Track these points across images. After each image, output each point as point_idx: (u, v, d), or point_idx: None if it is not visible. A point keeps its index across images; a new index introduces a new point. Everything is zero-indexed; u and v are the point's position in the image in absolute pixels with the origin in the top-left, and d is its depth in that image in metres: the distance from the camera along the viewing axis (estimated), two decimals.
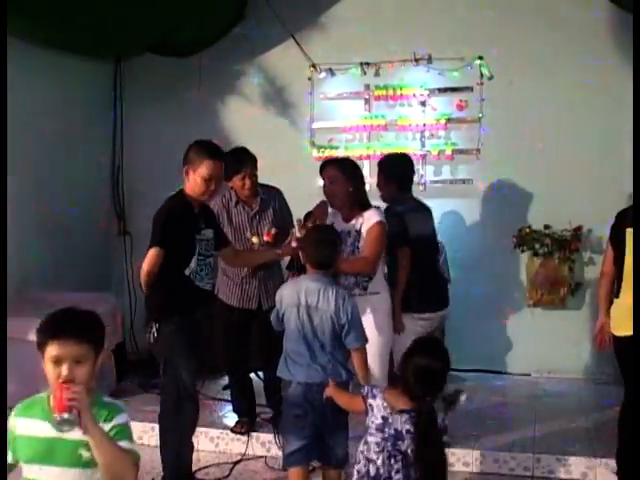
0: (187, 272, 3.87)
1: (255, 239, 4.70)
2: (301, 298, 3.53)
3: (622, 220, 3.79)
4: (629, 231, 3.65)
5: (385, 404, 3.09)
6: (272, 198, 4.88)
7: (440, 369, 3.07)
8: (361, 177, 4.46)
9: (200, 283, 3.98)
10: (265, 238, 4.66)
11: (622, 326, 3.63)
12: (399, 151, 6.52)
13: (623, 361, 3.73)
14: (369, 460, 3.09)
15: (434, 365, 3.05)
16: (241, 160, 4.73)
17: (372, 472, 3.07)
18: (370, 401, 3.13)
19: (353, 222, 4.14)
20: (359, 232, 4.10)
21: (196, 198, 4.08)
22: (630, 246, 3.63)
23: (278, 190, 4.98)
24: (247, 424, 4.87)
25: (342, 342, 3.51)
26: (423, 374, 3.02)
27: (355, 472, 3.15)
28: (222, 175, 4.09)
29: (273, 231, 4.66)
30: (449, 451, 4.37)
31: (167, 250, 3.83)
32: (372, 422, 3.11)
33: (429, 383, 3.03)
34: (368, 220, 4.11)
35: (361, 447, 3.17)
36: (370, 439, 3.11)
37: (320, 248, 3.58)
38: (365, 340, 3.54)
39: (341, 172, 4.17)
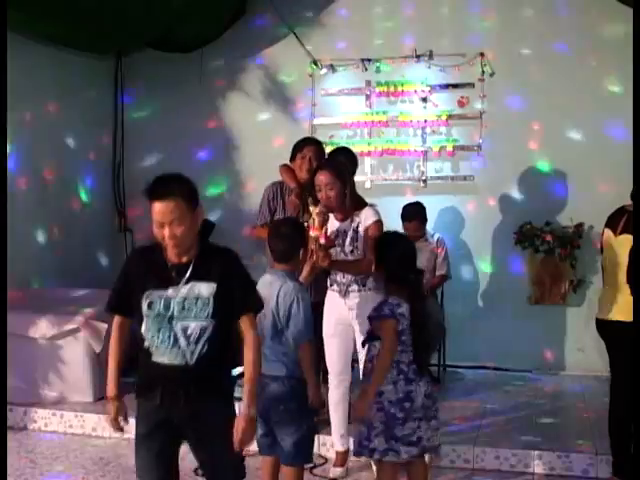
0: (146, 343, 2.76)
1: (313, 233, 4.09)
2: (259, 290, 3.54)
3: (607, 220, 4.10)
4: (606, 230, 4.06)
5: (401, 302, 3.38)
6: None
7: (411, 246, 3.60)
8: (353, 173, 4.43)
9: (160, 358, 2.74)
10: (322, 240, 4.03)
11: (602, 311, 4.02)
12: (400, 147, 6.57)
13: (604, 339, 4.09)
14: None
15: (408, 246, 3.56)
16: (304, 140, 4.74)
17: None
18: (398, 311, 3.35)
19: (348, 221, 4.12)
20: (357, 232, 4.08)
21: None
22: (605, 244, 4.05)
23: None
24: None
25: (283, 336, 3.49)
26: (407, 259, 3.48)
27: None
28: (183, 215, 2.68)
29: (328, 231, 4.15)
30: (451, 448, 4.42)
31: (120, 312, 2.88)
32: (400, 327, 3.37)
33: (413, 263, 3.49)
34: (365, 220, 4.10)
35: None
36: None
37: (276, 241, 3.56)
38: (306, 337, 3.43)
39: (336, 177, 4.07)
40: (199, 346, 2.69)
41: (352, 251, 4.08)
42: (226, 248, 2.86)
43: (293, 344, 3.43)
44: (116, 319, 2.89)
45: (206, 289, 2.70)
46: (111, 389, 2.88)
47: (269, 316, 3.46)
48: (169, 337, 2.70)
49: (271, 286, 3.48)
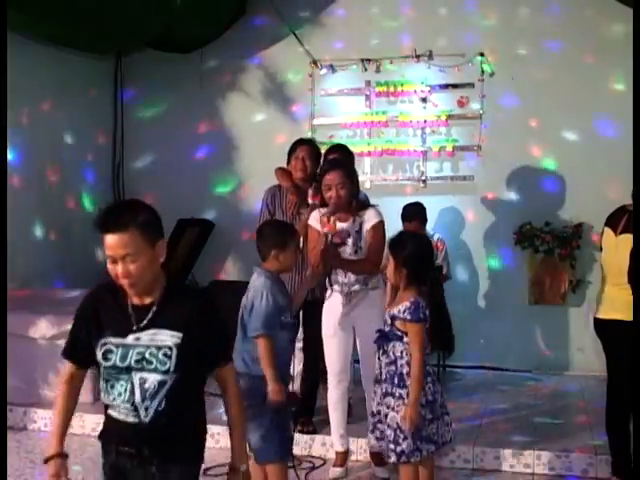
0: (102, 395, 2.42)
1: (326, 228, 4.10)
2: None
3: (606, 220, 4.10)
4: (606, 230, 4.05)
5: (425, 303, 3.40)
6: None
7: (429, 244, 3.65)
8: (357, 174, 4.44)
9: (115, 413, 2.39)
10: (336, 239, 4.06)
11: (600, 310, 4.03)
12: (400, 148, 6.57)
13: (601, 337, 4.09)
14: None
15: (427, 245, 3.59)
16: (297, 142, 4.79)
17: None
18: (427, 313, 3.37)
19: (351, 221, 4.12)
20: (360, 232, 4.08)
21: None
22: (605, 243, 4.04)
23: None
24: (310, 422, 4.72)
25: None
26: (427, 258, 3.54)
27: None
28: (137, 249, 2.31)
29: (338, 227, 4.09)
30: (451, 448, 4.41)
31: (75, 360, 2.48)
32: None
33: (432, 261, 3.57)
34: (369, 220, 4.10)
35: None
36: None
37: (257, 242, 3.60)
38: (260, 332, 3.40)
39: (347, 176, 4.10)
40: (155, 402, 2.32)
41: (356, 251, 4.07)
42: (199, 290, 2.57)
43: (251, 339, 3.44)
44: (67, 368, 2.46)
45: (170, 338, 2.33)
46: (53, 446, 2.39)
47: (240, 313, 3.52)
48: (125, 391, 2.34)
49: (252, 284, 3.55)
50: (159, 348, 2.32)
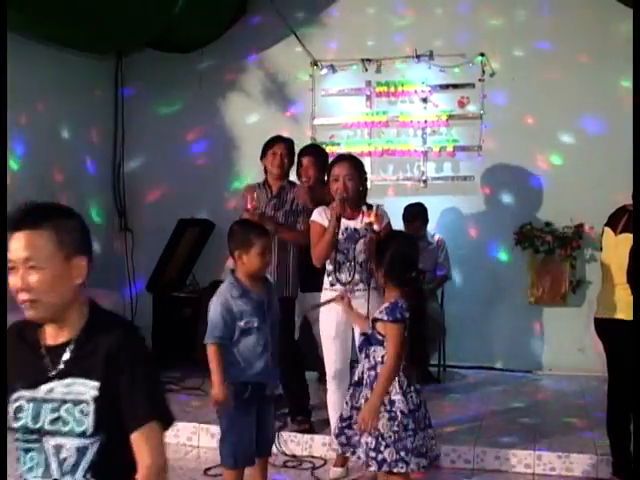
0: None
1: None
2: None
3: (606, 221, 4.11)
4: (606, 229, 4.06)
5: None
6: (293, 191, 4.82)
7: (411, 244, 3.56)
8: (366, 173, 4.45)
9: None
10: (376, 227, 4.05)
11: (600, 310, 4.04)
12: (400, 148, 6.56)
13: (602, 338, 4.09)
14: None
15: (407, 245, 3.50)
16: (275, 138, 4.87)
17: None
18: (406, 315, 3.30)
19: (358, 220, 4.13)
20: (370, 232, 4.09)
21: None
22: (605, 243, 4.06)
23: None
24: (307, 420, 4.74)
25: None
26: (405, 258, 3.39)
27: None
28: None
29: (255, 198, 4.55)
30: (451, 448, 4.42)
31: None
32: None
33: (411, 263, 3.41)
34: (381, 220, 4.12)
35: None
36: None
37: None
38: (208, 340, 3.41)
39: (355, 168, 4.14)
40: (77, 476, 1.80)
41: (364, 250, 4.07)
42: (120, 321, 1.92)
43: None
44: None
45: (86, 389, 1.79)
46: None
47: None
48: (37, 465, 1.85)
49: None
50: (75, 403, 1.79)
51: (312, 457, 4.52)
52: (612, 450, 4.02)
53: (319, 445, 4.58)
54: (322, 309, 4.18)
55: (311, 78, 6.73)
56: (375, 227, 3.95)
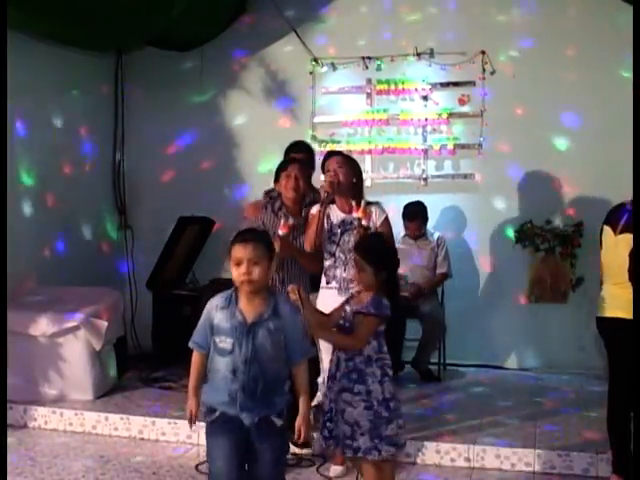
0: None
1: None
2: None
3: (606, 217, 4.10)
4: (606, 228, 4.05)
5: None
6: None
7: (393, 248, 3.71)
8: (361, 173, 4.46)
9: None
10: (281, 231, 4.07)
11: (602, 309, 4.02)
12: (401, 146, 6.56)
13: (603, 336, 4.10)
14: None
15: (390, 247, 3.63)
16: (288, 160, 4.53)
17: None
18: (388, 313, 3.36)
19: (354, 214, 4.15)
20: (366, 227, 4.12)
21: None
22: (605, 241, 4.04)
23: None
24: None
25: None
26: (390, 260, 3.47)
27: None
28: None
29: (290, 222, 4.14)
30: (451, 446, 4.42)
31: None
32: None
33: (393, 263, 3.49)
34: (377, 217, 4.14)
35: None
36: None
37: None
38: (191, 340, 3.17)
39: (347, 161, 4.26)
40: None
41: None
42: None
43: None
44: None
45: None
46: None
47: None
48: None
49: None
50: None
51: (312, 455, 4.51)
52: (612, 448, 4.01)
53: (319, 444, 4.57)
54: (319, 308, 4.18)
55: (311, 76, 6.73)
56: (363, 222, 3.98)
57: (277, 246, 3.88)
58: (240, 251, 2.99)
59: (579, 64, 6.21)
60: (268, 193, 4.79)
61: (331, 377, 3.46)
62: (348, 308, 3.43)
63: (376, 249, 3.44)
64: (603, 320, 4.02)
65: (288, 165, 4.45)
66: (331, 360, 3.48)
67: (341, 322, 3.42)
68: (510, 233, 6.31)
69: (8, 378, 4.62)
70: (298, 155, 4.89)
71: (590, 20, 6.19)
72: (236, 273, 2.99)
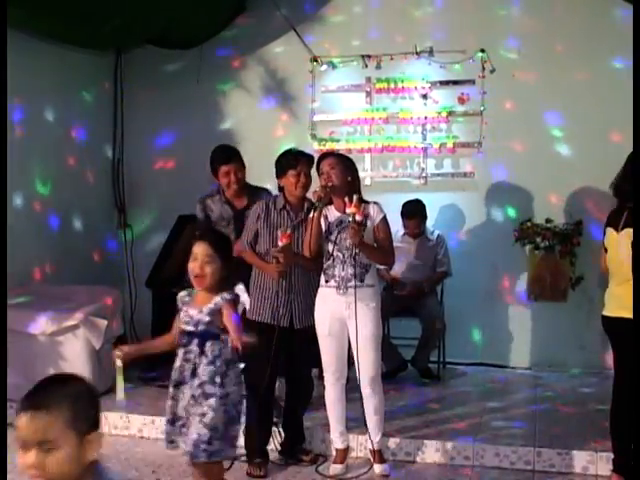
0: None
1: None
2: None
3: (607, 220, 4.13)
4: (608, 230, 4.07)
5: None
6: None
7: None
8: (357, 171, 4.44)
9: None
10: (280, 242, 4.04)
11: (607, 308, 4.04)
12: (400, 144, 6.55)
13: (609, 335, 4.11)
14: None
15: None
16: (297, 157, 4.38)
17: None
18: None
19: (347, 211, 4.14)
20: (364, 225, 4.11)
21: None
22: (609, 243, 4.06)
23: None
24: (264, 465, 4.32)
25: None
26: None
27: None
28: None
29: (289, 231, 4.10)
30: (451, 445, 4.41)
31: None
32: None
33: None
34: (375, 217, 4.14)
35: None
36: None
37: None
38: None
39: (340, 160, 4.23)
40: None
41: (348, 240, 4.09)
42: None
43: None
44: None
45: None
46: None
47: None
48: None
49: None
50: None
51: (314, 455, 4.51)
52: (614, 447, 4.01)
53: (318, 442, 4.58)
54: (317, 308, 4.20)
55: (311, 74, 6.72)
56: (357, 217, 3.96)
57: (280, 257, 4.01)
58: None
59: (580, 62, 6.20)
60: (203, 201, 5.13)
61: (184, 383, 3.35)
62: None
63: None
64: (608, 319, 4.03)
65: (297, 164, 4.36)
66: None
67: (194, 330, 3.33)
68: (510, 231, 6.30)
69: (8, 377, 4.62)
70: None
71: (594, 19, 6.18)
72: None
